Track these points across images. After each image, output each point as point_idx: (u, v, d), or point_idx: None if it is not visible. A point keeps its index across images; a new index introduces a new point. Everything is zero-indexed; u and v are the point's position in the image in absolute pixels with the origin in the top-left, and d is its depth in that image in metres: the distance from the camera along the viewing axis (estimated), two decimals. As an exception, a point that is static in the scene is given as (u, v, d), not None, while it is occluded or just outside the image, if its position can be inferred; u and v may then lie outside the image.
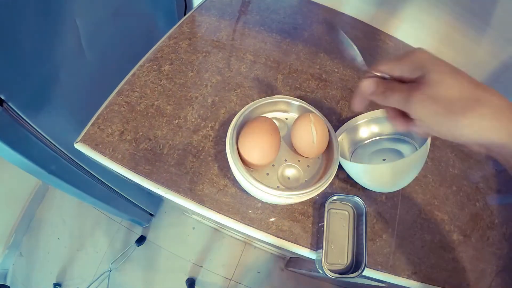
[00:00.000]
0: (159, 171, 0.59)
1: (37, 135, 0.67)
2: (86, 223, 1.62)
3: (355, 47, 0.42)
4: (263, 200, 0.54)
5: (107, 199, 1.09)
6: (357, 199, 0.57)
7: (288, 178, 0.56)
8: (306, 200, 0.59)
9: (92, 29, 0.75)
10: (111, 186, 1.05)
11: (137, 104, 0.66)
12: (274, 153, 0.54)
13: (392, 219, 0.62)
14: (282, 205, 0.59)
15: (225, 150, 0.55)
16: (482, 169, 0.72)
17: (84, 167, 0.86)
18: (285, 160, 0.58)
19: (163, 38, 0.77)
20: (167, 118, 0.65)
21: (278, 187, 0.54)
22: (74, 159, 0.80)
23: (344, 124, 0.67)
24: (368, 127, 0.66)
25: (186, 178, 0.59)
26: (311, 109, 0.59)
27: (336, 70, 0.80)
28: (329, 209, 0.58)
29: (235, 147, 0.53)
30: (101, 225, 1.62)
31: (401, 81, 0.37)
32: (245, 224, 0.57)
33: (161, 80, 0.70)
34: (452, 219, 0.64)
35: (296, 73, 0.77)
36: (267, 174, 0.56)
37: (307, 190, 0.51)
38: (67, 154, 0.77)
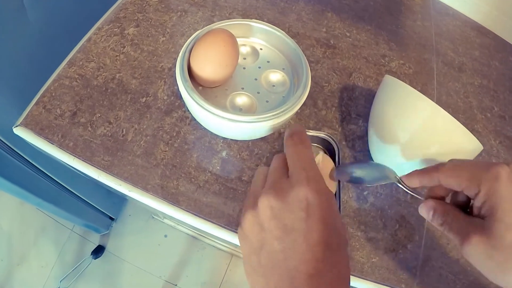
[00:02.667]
0: (121, 163, 0.59)
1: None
2: (29, 229, 1.62)
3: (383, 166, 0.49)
4: (216, 132, 0.58)
5: (55, 199, 1.08)
6: (323, 135, 0.62)
7: (240, 109, 0.61)
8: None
9: (34, -20, 0.75)
10: (60, 183, 1.05)
11: (93, 78, 0.66)
12: (229, 68, 0.59)
13: (419, 224, 0.62)
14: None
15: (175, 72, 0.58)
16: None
17: (26, 158, 0.85)
18: (242, 88, 0.63)
19: (126, -7, 0.77)
20: (132, 95, 0.66)
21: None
22: (13, 148, 0.80)
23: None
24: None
25: (156, 172, 0.59)
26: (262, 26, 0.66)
27: (348, 34, 0.81)
28: None
29: (186, 64, 0.58)
30: (47, 232, 1.62)
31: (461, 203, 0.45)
32: (231, 230, 0.57)
33: (124, 47, 0.70)
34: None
35: (296, 38, 0.78)
36: (216, 96, 0.61)
37: (267, 115, 0.55)
38: (4, 141, 0.77)
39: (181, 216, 0.58)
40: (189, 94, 0.55)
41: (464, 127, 0.49)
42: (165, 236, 1.61)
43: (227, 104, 0.60)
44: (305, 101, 0.60)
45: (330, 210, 0.35)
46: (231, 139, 0.64)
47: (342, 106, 0.70)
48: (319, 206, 0.34)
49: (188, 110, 0.64)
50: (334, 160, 0.61)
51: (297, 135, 0.40)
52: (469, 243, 0.39)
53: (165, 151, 0.61)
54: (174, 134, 0.63)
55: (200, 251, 1.59)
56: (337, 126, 0.68)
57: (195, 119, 0.64)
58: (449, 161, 0.44)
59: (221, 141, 0.64)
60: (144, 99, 0.65)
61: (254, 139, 0.64)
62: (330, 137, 0.64)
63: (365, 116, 0.70)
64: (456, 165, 0.43)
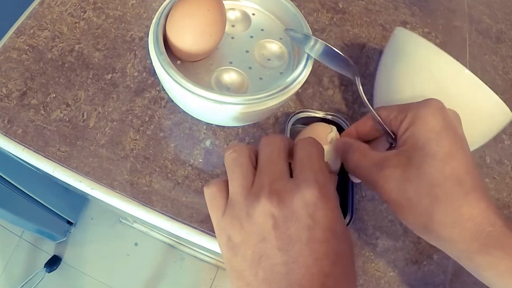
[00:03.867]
0: (82, 154, 0.60)
1: None
2: (-33, 236, 1.62)
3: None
4: (198, 116, 0.58)
5: (0, 200, 1.09)
6: (331, 117, 0.63)
7: (228, 89, 0.60)
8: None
9: None
10: (6, 178, 1.04)
11: (47, 50, 0.66)
12: (213, 38, 0.58)
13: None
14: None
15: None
16: None
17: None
18: (230, 63, 0.62)
19: None
20: (95, 71, 0.66)
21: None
22: None
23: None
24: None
25: (125, 166, 0.60)
26: None
27: (361, -3, 0.81)
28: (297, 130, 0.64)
29: (161, 33, 0.57)
30: (-10, 240, 1.62)
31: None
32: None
33: (85, 12, 0.70)
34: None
35: (297, 1, 0.78)
36: (198, 73, 0.60)
37: (261, 95, 0.54)
38: None
39: (155, 220, 0.58)
40: (164, 69, 0.54)
41: (492, 92, 0.49)
42: (136, 244, 1.61)
43: (211, 82, 0.60)
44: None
45: (338, 217, 0.36)
46: (217, 125, 0.64)
47: (354, 84, 0.70)
48: (327, 213, 0.35)
49: (164, 90, 0.65)
50: None
51: (310, 138, 0.42)
52: (383, 176, 0.42)
53: (136, 140, 0.62)
54: (147, 119, 0.63)
55: (179, 262, 1.59)
56: (346, 109, 0.68)
57: (172, 101, 0.64)
58: None
59: (205, 127, 0.64)
60: (109, 76, 0.65)
61: (244, 125, 0.65)
62: (339, 118, 0.64)
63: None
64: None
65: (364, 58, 0.73)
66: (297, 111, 0.65)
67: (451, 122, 0.43)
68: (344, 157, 0.48)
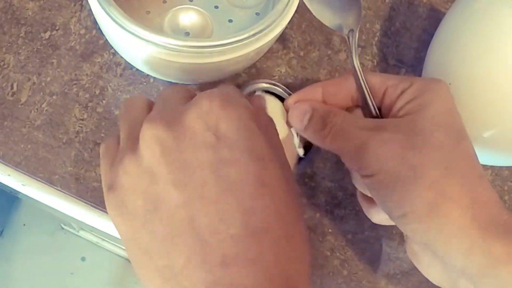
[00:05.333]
0: (10, 139, 0.59)
1: None
2: None
3: None
4: (151, 72, 0.61)
5: None
6: (266, 84, 0.62)
7: (186, 33, 0.61)
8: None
9: None
10: None
11: (-39, -2, 0.65)
12: None
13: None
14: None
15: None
16: None
17: None
18: (190, 0, 0.64)
19: None
20: (28, 28, 0.65)
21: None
22: None
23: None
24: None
25: (68, 154, 0.59)
26: None
27: None
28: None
29: None
30: None
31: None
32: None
33: None
34: None
35: None
36: (148, 12, 0.61)
37: (230, 40, 0.53)
38: None
39: (109, 226, 0.58)
40: (102, 7, 0.53)
41: None
42: (83, 259, 1.61)
43: (164, 24, 0.60)
44: (313, 38, 0.59)
45: (253, 129, 0.35)
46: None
47: (374, 46, 0.70)
48: (236, 124, 0.34)
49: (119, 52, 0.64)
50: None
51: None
52: (379, 139, 0.43)
53: (83, 120, 0.61)
54: (97, 91, 0.63)
55: (140, 282, 1.59)
56: None
57: (132, 67, 0.64)
58: None
59: None
60: (47, 35, 0.65)
61: (209, 82, 0.65)
62: (278, 87, 0.62)
63: (413, 63, 0.70)
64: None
65: (387, 10, 0.73)
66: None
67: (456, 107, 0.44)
68: (317, 124, 0.48)
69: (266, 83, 0.62)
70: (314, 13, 0.54)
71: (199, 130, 0.33)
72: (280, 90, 0.60)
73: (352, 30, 0.51)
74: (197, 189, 0.32)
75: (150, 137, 0.34)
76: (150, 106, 0.41)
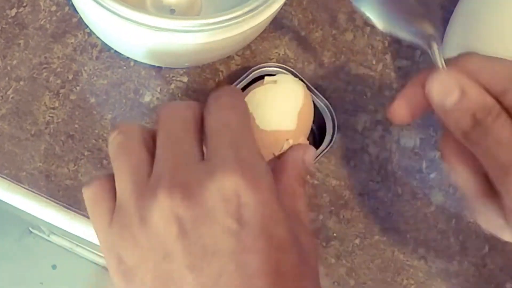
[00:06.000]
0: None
1: None
2: None
3: None
4: (136, 57, 0.59)
5: None
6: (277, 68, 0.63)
7: (172, 11, 0.61)
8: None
9: None
10: None
11: None
12: None
13: None
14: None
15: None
16: None
17: None
18: None
19: None
20: (-11, 3, 0.64)
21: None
22: None
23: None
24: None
25: (37, 148, 0.59)
26: None
27: None
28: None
29: None
30: None
31: None
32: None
33: None
34: None
35: None
36: None
37: (221, 18, 0.53)
38: None
39: (83, 230, 0.58)
40: None
41: None
42: (53, 267, 1.61)
43: (147, 0, 0.60)
44: (316, 16, 0.59)
45: (277, 213, 0.35)
46: (177, 86, 0.64)
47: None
48: (259, 208, 0.33)
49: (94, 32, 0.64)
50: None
51: (229, 96, 0.41)
52: None
53: (54, 109, 0.61)
54: (70, 76, 0.62)
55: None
56: (373, 62, 0.68)
57: (109, 49, 0.64)
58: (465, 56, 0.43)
59: (159, 89, 0.64)
60: (13, 12, 0.64)
61: (197, 65, 0.64)
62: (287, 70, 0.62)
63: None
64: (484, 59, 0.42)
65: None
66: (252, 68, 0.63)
67: None
68: (463, 119, 0.41)
69: (273, 67, 0.63)
70: (381, 27, 0.52)
71: (220, 216, 0.33)
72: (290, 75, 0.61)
73: (433, 37, 0.45)
74: (214, 276, 0.32)
75: (168, 214, 0.33)
76: (149, 142, 0.39)
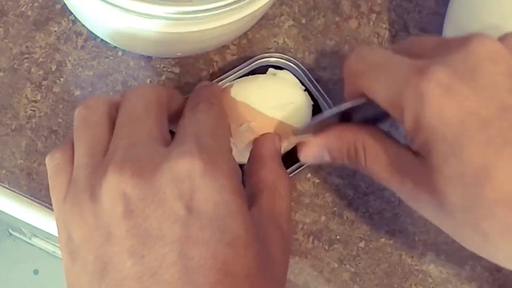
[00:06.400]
0: None
1: None
2: None
3: None
4: (124, 46, 0.60)
5: None
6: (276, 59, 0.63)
7: None
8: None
9: None
10: None
11: None
12: None
13: None
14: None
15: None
16: None
17: None
18: None
19: None
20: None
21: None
22: None
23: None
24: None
25: (18, 144, 0.59)
26: None
27: None
28: None
29: None
30: None
31: None
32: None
33: None
34: None
35: None
36: None
37: (221, 3, 0.51)
38: None
39: None
40: None
41: None
42: (35, 272, 1.61)
43: None
44: (318, 2, 0.59)
45: (237, 204, 0.35)
46: (168, 78, 0.64)
47: (391, 11, 0.70)
48: (215, 195, 0.34)
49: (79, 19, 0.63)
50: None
51: (211, 91, 0.43)
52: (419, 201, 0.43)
53: (36, 102, 0.61)
54: (53, 67, 0.62)
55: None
56: None
57: (95, 37, 0.64)
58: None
59: (149, 80, 0.64)
60: None
61: (190, 55, 0.64)
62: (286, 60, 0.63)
63: (437, 31, 0.69)
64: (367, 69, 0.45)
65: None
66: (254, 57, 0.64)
67: None
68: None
69: (275, 57, 0.63)
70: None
71: (170, 197, 0.33)
72: (294, 66, 0.61)
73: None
74: (153, 265, 0.32)
75: (115, 190, 0.34)
76: (113, 114, 0.41)
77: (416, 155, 0.41)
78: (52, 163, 0.39)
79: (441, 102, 0.37)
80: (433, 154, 0.38)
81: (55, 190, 0.39)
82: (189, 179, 0.33)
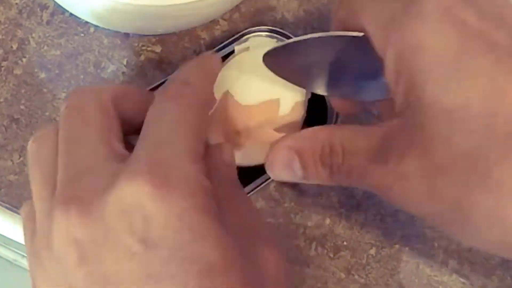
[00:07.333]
0: None
1: None
2: None
3: None
4: (104, 24, 0.59)
5: None
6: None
7: None
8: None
9: None
10: None
11: None
12: None
13: None
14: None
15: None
16: None
17: None
18: None
19: None
20: None
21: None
22: None
23: None
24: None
25: None
26: None
27: None
28: None
29: None
30: None
31: None
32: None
33: None
34: None
35: None
36: None
37: None
38: None
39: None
40: None
41: None
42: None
43: None
44: None
45: (211, 228, 0.35)
46: (145, 46, 0.65)
47: None
48: (174, 221, 0.33)
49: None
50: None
51: (194, 65, 0.43)
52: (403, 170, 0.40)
53: (25, 103, 0.61)
54: (15, 46, 0.63)
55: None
56: None
57: (64, 11, 0.64)
58: None
59: (125, 60, 0.64)
60: None
61: (173, 32, 0.65)
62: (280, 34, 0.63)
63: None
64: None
65: None
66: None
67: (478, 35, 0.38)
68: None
69: (266, 31, 0.63)
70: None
71: (121, 233, 0.33)
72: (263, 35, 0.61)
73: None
74: None
75: (65, 236, 0.33)
76: None
77: (398, 124, 0.40)
78: (24, 210, 0.39)
79: (438, 24, 0.37)
80: (427, 86, 0.37)
81: (25, 240, 0.39)
82: (139, 208, 0.33)
